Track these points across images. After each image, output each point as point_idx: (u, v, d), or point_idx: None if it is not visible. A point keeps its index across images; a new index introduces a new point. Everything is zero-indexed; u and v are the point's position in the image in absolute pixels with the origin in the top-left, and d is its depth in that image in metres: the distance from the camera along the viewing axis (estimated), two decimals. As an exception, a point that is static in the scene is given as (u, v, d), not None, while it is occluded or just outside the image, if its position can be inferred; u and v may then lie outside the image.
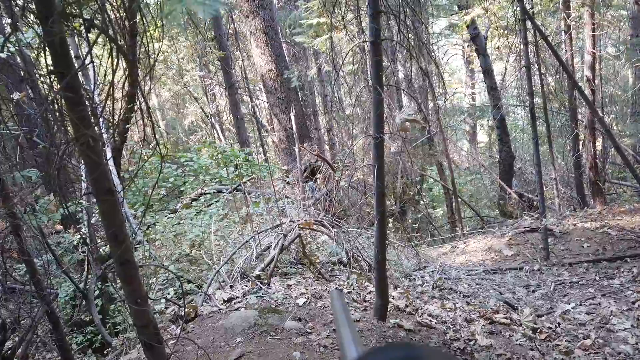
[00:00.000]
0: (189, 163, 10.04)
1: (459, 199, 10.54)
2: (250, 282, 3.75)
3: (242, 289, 3.75)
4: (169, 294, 4.71)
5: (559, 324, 3.67)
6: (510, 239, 7.04)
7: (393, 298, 3.72)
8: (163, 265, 5.48)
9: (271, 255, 3.85)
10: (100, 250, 7.16)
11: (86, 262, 7.08)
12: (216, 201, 7.29)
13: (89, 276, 6.72)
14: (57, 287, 6.92)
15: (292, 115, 7.65)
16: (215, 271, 3.73)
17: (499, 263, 6.10)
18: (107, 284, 6.32)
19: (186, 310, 3.60)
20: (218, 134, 20.24)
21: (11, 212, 2.54)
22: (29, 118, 9.06)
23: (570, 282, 4.89)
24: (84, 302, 5.84)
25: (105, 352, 5.41)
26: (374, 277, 2.86)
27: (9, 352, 2.95)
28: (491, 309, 3.85)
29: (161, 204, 9.50)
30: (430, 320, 3.40)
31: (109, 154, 8.44)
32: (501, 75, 16.06)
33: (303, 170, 8.92)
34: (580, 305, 4.18)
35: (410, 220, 11.60)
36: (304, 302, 3.36)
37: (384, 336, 2.85)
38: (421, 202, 11.78)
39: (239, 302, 3.53)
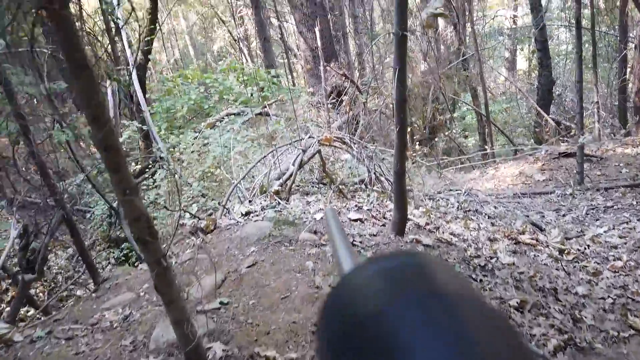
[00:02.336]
0: (214, 84, 9.86)
1: (493, 126, 10.12)
2: (268, 197, 3.68)
3: (261, 203, 3.70)
4: (193, 209, 4.74)
5: (588, 246, 3.51)
6: (543, 164, 6.75)
7: (414, 216, 3.61)
8: (187, 182, 5.51)
9: (290, 171, 3.75)
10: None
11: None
12: (242, 120, 7.18)
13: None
14: (94, 205, 7.13)
15: (316, 30, 7.27)
16: (234, 185, 3.67)
17: (529, 188, 5.88)
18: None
19: (205, 222, 3.60)
20: (246, 58, 19.83)
21: (18, 114, 2.46)
22: (54, 37, 8.96)
23: (604, 207, 4.66)
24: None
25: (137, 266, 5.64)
26: (393, 189, 2.73)
27: (32, 256, 3.01)
28: (517, 229, 3.70)
29: (185, 124, 9.46)
30: (451, 238, 3.28)
31: (134, 74, 8.34)
32: (547, -5, 14.90)
33: (329, 92, 8.64)
34: (614, 229, 3.98)
35: (439, 147, 11.31)
36: (321, 218, 3.29)
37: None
38: (453, 129, 11.40)
39: (257, 215, 3.49)
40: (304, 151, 3.71)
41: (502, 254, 2.94)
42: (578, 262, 3.15)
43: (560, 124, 10.90)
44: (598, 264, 3.15)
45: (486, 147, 10.14)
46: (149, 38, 8.10)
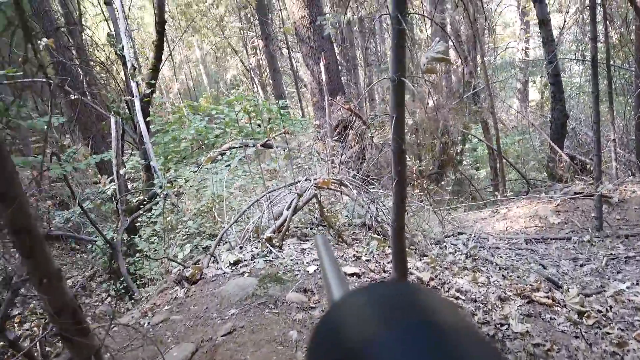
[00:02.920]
0: (219, 115, 9.73)
1: (504, 160, 9.83)
2: (260, 244, 3.42)
3: (252, 251, 3.44)
4: (186, 249, 4.49)
5: (610, 307, 3.17)
6: (558, 205, 6.42)
7: (417, 269, 3.32)
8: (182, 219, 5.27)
9: (284, 216, 3.49)
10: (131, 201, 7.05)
11: (118, 213, 7.04)
12: (241, 156, 6.98)
13: (118, 226, 6.66)
14: (95, 235, 6.92)
15: (321, 64, 7.12)
16: (223, 231, 3.42)
17: (543, 232, 5.54)
18: (135, 235, 6.24)
19: (191, 271, 3.34)
20: (256, 88, 19.91)
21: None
22: (64, 67, 8.97)
23: (625, 257, 4.31)
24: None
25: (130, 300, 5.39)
26: (391, 246, 2.45)
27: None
28: (531, 285, 3.37)
29: (188, 155, 9.32)
30: (458, 297, 2.98)
31: (137, 105, 8.24)
32: (558, 29, 14.76)
33: (335, 126, 8.45)
34: (637, 284, 3.64)
35: (448, 182, 11.01)
36: (315, 270, 3.01)
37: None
38: (463, 162, 11.12)
39: (246, 265, 3.22)
40: (300, 195, 3.46)
41: (513, 321, 2.62)
42: (600, 328, 2.81)
43: (575, 159, 10.56)
44: (622, 330, 2.81)
45: (498, 182, 9.82)
46: (152, 69, 8.03)
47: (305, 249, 3.51)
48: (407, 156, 8.14)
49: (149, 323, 2.56)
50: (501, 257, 4.31)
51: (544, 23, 9.90)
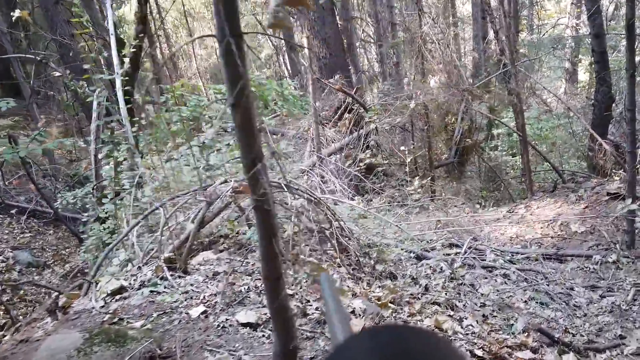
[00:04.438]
0: (216, 96, 8.95)
1: (533, 149, 8.63)
2: (155, 267, 2.63)
3: (146, 275, 2.66)
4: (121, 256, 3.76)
5: (627, 379, 2.21)
6: (586, 206, 5.34)
7: (360, 310, 2.44)
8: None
9: (187, 230, 2.68)
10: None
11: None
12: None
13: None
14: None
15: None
16: (104, 255, 2.65)
17: (562, 243, 4.52)
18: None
19: (65, 300, 2.60)
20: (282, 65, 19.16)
21: None
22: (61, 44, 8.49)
23: (661, 290, 3.28)
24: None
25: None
26: (270, 311, 1.61)
27: None
28: (514, 338, 2.44)
29: (176, 139, 8.59)
30: None
31: (117, 82, 7.56)
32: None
33: (336, 108, 7.54)
34: (673, 337, 2.64)
35: (471, 172, 9.90)
36: (200, 315, 2.19)
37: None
38: (486, 149, 9.95)
39: (128, 297, 2.45)
40: (209, 204, 2.63)
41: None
42: None
43: (620, 148, 9.21)
44: None
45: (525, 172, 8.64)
46: (135, 47, 7.32)
47: (220, 273, 2.69)
48: (413, 143, 7.11)
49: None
50: (493, 282, 3.36)
51: (591, -10, 8.59)
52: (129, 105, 7.35)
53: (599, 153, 9.24)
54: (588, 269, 3.69)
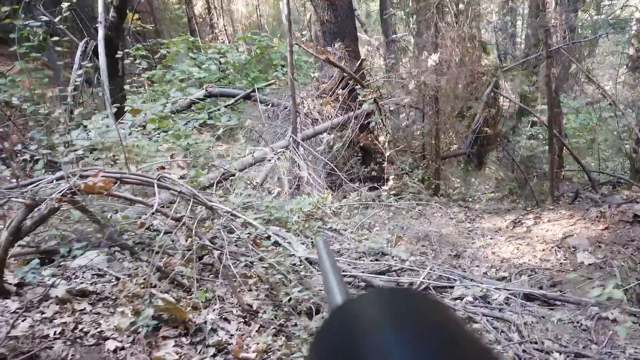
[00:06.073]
0: (215, 56, 8.20)
1: (563, 145, 7.55)
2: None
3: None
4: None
5: None
6: (605, 227, 4.40)
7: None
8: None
9: (1, 238, 2.00)
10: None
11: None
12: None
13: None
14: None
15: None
16: None
17: (560, 276, 3.65)
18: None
19: None
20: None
21: None
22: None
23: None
24: None
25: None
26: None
27: None
28: None
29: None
30: None
31: (100, 33, 6.91)
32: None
33: (338, 80, 6.68)
34: None
35: (490, 168, 8.91)
36: None
37: None
38: (513, 141, 8.86)
39: None
40: (30, 207, 1.95)
41: None
42: None
43: (669, 154, 7.99)
44: None
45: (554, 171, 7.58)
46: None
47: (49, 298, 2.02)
48: (420, 128, 6.18)
49: None
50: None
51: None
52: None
53: (642, 155, 8.07)
54: (579, 324, 2.83)
